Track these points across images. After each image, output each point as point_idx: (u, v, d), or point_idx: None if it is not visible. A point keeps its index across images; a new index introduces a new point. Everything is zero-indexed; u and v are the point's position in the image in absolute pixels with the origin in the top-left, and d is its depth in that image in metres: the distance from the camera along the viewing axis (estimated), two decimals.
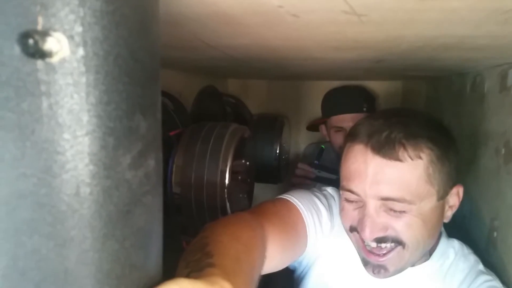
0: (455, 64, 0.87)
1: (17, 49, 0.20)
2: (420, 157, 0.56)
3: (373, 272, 0.62)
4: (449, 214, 0.63)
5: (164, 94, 1.02)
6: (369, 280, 0.66)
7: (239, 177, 1.06)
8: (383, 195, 0.57)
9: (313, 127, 1.50)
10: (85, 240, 0.23)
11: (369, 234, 0.59)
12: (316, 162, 1.34)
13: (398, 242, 0.59)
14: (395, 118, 0.60)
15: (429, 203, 0.58)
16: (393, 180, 0.56)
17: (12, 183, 0.21)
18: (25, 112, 0.21)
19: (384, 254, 0.60)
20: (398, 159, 0.56)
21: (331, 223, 0.71)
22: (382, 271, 0.62)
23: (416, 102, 1.53)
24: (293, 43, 0.58)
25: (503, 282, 0.68)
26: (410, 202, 0.57)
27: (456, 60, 0.79)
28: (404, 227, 0.58)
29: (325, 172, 1.28)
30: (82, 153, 0.22)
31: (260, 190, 1.55)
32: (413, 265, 0.66)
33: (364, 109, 1.29)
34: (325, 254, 0.72)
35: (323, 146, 1.41)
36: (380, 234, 0.59)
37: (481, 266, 0.67)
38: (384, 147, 0.57)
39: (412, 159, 0.56)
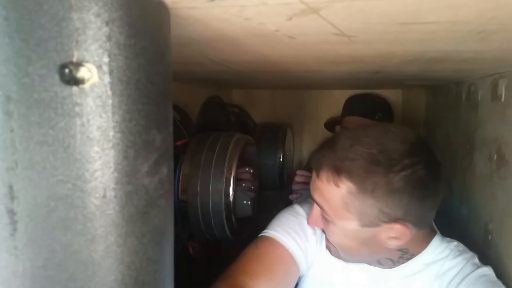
0: (450, 74, 0.90)
1: (56, 78, 0.25)
2: (338, 186, 0.62)
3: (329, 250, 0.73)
4: (392, 242, 0.65)
5: None
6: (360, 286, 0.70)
7: (244, 184, 1.10)
8: (314, 199, 0.67)
9: (330, 126, 1.56)
10: (110, 237, 0.27)
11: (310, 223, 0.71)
12: None
13: None
14: (361, 145, 0.63)
15: (350, 225, 0.64)
16: (319, 191, 0.66)
17: (51, 188, 0.26)
18: (63, 129, 0.25)
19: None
20: (320, 178, 0.64)
21: (316, 237, 0.76)
22: (331, 247, 0.71)
23: (415, 110, 1.56)
24: (292, 59, 0.63)
25: None
26: (329, 215, 0.65)
27: (449, 71, 0.83)
28: (329, 232, 0.68)
29: None
30: (109, 163, 0.26)
31: (265, 198, 1.58)
32: (392, 267, 0.71)
33: (377, 117, 1.36)
34: (315, 265, 0.76)
35: None
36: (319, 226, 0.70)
37: (476, 260, 0.70)
38: (317, 165, 0.66)
39: (329, 183, 0.63)
